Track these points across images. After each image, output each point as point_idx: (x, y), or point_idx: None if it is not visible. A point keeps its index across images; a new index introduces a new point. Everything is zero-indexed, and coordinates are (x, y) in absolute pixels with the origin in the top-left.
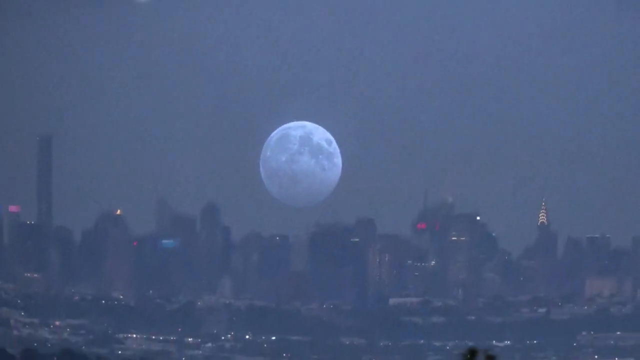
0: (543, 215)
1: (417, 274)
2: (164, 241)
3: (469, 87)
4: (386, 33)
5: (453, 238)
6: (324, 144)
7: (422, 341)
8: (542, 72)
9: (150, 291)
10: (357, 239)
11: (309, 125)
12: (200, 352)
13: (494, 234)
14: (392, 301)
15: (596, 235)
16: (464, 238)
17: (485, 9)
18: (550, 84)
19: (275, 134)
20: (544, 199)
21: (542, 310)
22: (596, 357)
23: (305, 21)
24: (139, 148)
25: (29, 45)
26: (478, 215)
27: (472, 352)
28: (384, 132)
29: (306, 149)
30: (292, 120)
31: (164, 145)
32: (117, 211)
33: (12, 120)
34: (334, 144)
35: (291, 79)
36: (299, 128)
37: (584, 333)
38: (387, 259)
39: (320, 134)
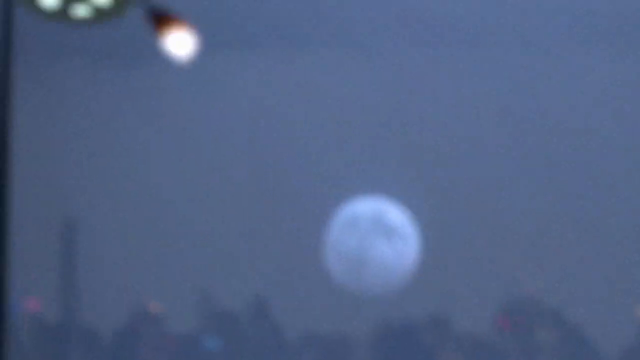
0: None
1: None
2: (206, 341)
3: (559, 164)
4: (464, 95)
5: (538, 338)
6: (399, 223)
7: None
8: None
9: None
10: (428, 339)
11: (381, 201)
12: None
13: (585, 334)
14: None
15: None
16: (550, 338)
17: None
18: None
19: (342, 212)
20: None
21: None
22: None
23: (374, 84)
24: (177, 233)
25: (52, 116)
26: (567, 311)
27: None
28: (462, 213)
29: (378, 229)
30: (361, 195)
31: (205, 229)
32: (152, 307)
33: (32, 201)
34: (410, 224)
35: (360, 148)
36: (370, 204)
37: None
38: None
39: (394, 212)
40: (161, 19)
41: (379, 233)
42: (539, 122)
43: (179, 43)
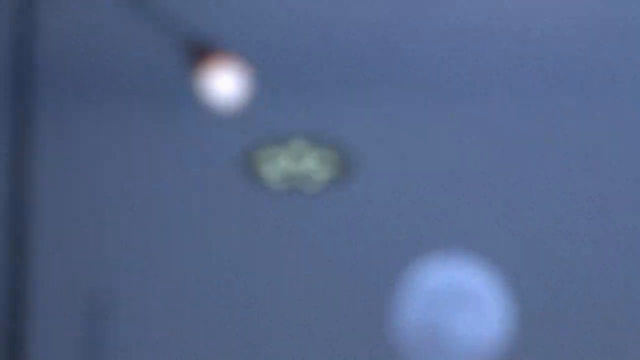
0: None
1: None
2: None
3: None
4: (553, 141)
5: None
6: (484, 290)
7: None
8: None
9: None
10: None
11: (461, 262)
12: None
13: None
14: None
15: None
16: None
17: None
18: None
19: (413, 276)
20: None
21: None
22: None
23: (453, 130)
24: (223, 315)
25: (75, 170)
26: None
27: None
28: (561, 283)
29: (459, 299)
30: (436, 251)
31: (250, 312)
32: None
33: (55, 273)
34: (499, 291)
35: (439, 201)
36: (449, 266)
37: None
38: None
39: (478, 277)
40: (203, 53)
41: (460, 302)
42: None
43: (225, 82)
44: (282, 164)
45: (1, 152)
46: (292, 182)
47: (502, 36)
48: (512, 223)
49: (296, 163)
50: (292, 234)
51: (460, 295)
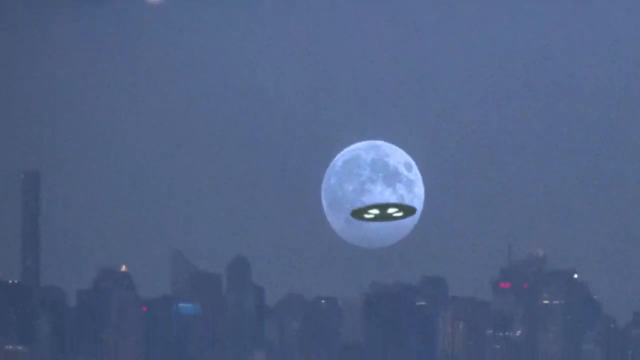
0: None
1: (498, 346)
2: (181, 305)
3: (567, 118)
4: (465, 36)
5: (544, 301)
6: (403, 169)
7: None
8: None
9: None
10: (423, 302)
11: (383, 145)
12: None
13: (595, 297)
14: None
15: None
16: (557, 301)
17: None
18: None
19: (341, 157)
20: None
21: None
22: None
23: (368, 27)
24: (149, 188)
25: (12, 61)
26: (576, 273)
27: None
28: (463, 164)
29: (380, 175)
30: (361, 140)
31: (181, 185)
32: (121, 268)
33: None
34: (415, 169)
35: (359, 89)
36: (371, 149)
37: None
38: (461, 327)
39: (398, 157)
40: None
41: (381, 178)
42: (546, 70)
43: None
44: None
45: None
46: None
47: None
48: (429, 114)
49: None
50: None
51: (384, 173)
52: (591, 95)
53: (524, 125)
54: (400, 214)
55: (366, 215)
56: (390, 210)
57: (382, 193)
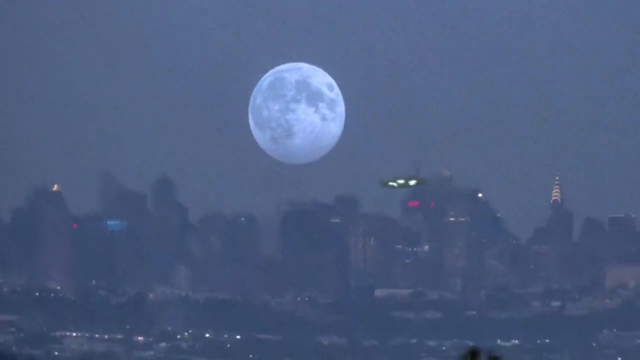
0: (557, 192)
1: (408, 260)
2: (110, 222)
3: (471, 44)
4: None
5: (450, 219)
6: (325, 89)
7: (413, 340)
8: (554, 27)
9: (93, 282)
10: (337, 220)
11: (306, 67)
12: (152, 353)
13: (499, 214)
14: (379, 293)
15: (619, 215)
16: (463, 219)
17: None
18: (564, 42)
19: (267, 78)
20: (557, 173)
21: (555, 304)
22: (619, 359)
23: None
24: (78, 111)
25: None
26: (480, 192)
27: (473, 354)
28: (379, 86)
29: (304, 95)
30: (285, 62)
31: (109, 108)
32: (53, 187)
33: None
34: (337, 88)
35: (280, 14)
36: (294, 71)
37: (605, 331)
38: (372, 242)
39: (320, 78)
40: None
41: (305, 98)
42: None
43: None
44: None
45: None
46: None
47: None
48: (351, 37)
49: None
50: None
51: (307, 93)
52: (495, 21)
53: (433, 51)
54: (414, 182)
55: (391, 184)
56: (411, 182)
57: (305, 112)
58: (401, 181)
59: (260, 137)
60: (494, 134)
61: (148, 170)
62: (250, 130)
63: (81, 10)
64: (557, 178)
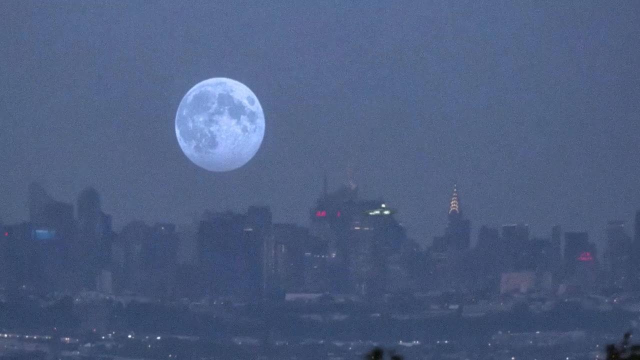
0: (455, 203)
1: (316, 267)
2: (38, 231)
3: (373, 64)
4: None
5: (356, 228)
6: (246, 102)
7: (321, 341)
8: (454, 45)
9: (23, 286)
10: (250, 229)
11: (228, 81)
12: (78, 352)
13: (400, 224)
14: (289, 297)
15: (513, 225)
16: (367, 228)
17: None
18: (463, 59)
19: (192, 92)
20: (455, 185)
21: (453, 307)
22: (513, 358)
23: None
24: (8, 126)
25: None
26: (383, 203)
27: (377, 354)
28: (292, 102)
29: (226, 108)
30: (209, 77)
31: (38, 122)
32: None
33: None
34: (257, 102)
35: (203, 34)
36: (218, 85)
37: (499, 332)
38: (283, 250)
39: (241, 92)
40: None
41: (227, 111)
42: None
43: None
44: None
45: None
46: None
47: None
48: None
49: None
50: None
51: (227, 104)
52: (398, 42)
53: (339, 70)
54: (387, 212)
55: (371, 213)
56: (386, 212)
57: (228, 123)
58: (377, 211)
59: (186, 146)
60: (397, 149)
61: (75, 182)
62: (177, 141)
63: (4, 23)
64: (455, 190)
